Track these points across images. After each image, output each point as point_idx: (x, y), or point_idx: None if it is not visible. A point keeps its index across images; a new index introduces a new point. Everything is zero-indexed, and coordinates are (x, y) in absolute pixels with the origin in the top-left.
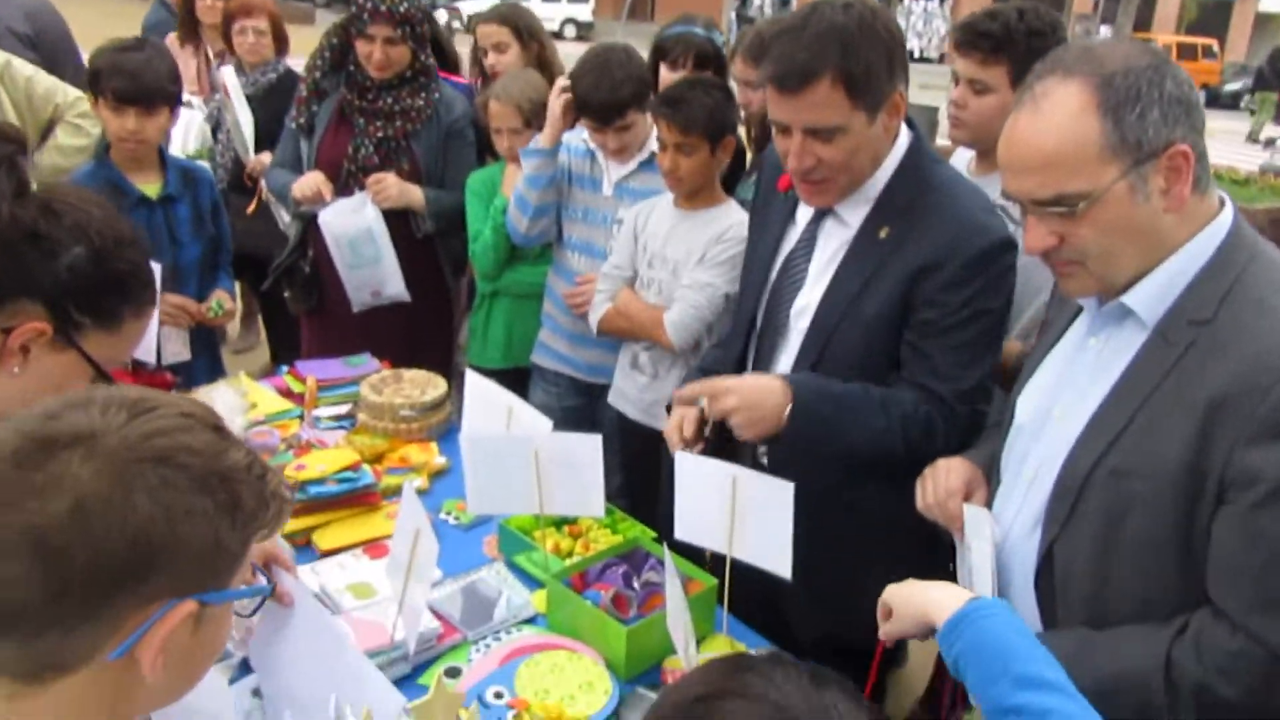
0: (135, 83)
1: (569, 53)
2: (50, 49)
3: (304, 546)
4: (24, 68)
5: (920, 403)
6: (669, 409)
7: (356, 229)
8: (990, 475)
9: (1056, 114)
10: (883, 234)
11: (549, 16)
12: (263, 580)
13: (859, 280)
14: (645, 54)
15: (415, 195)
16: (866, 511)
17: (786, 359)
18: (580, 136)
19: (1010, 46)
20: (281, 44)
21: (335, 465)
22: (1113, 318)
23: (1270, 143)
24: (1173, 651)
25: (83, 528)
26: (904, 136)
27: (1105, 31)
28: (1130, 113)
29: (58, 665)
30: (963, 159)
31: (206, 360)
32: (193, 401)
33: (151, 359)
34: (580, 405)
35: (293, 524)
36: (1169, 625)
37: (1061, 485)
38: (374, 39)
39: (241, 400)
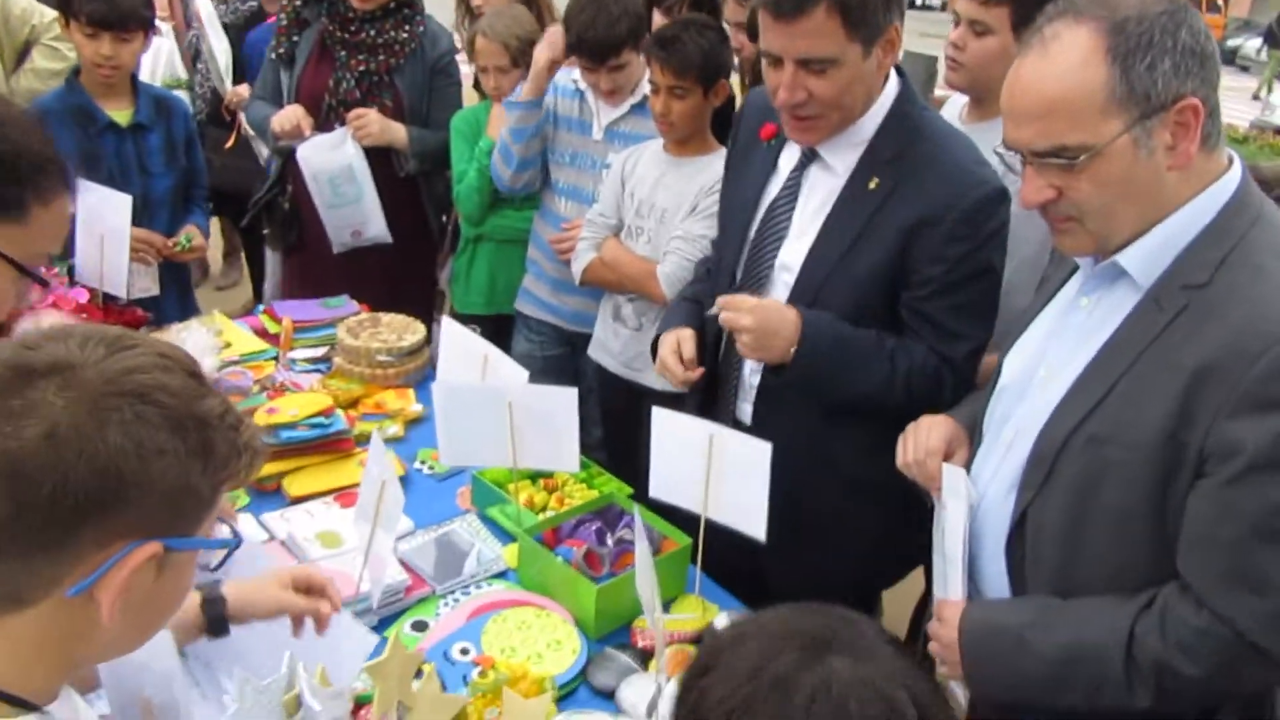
0: (110, 6)
1: None
2: None
3: (274, 492)
4: None
5: (934, 363)
6: (654, 350)
7: (337, 166)
8: (973, 435)
9: (1062, 59)
10: (872, 185)
11: None
12: (228, 532)
13: (849, 234)
14: None
15: (398, 133)
16: (847, 467)
17: None
18: (570, 77)
19: None
20: None
21: (308, 410)
22: (1106, 277)
23: (1256, 96)
24: (1136, 625)
25: (54, 454)
26: (893, 83)
27: None
28: (1140, 62)
29: (15, 596)
30: (954, 108)
31: (176, 295)
32: (171, 345)
33: (122, 293)
34: (562, 354)
35: (262, 469)
36: (1135, 598)
37: (1039, 449)
38: None
39: (214, 340)
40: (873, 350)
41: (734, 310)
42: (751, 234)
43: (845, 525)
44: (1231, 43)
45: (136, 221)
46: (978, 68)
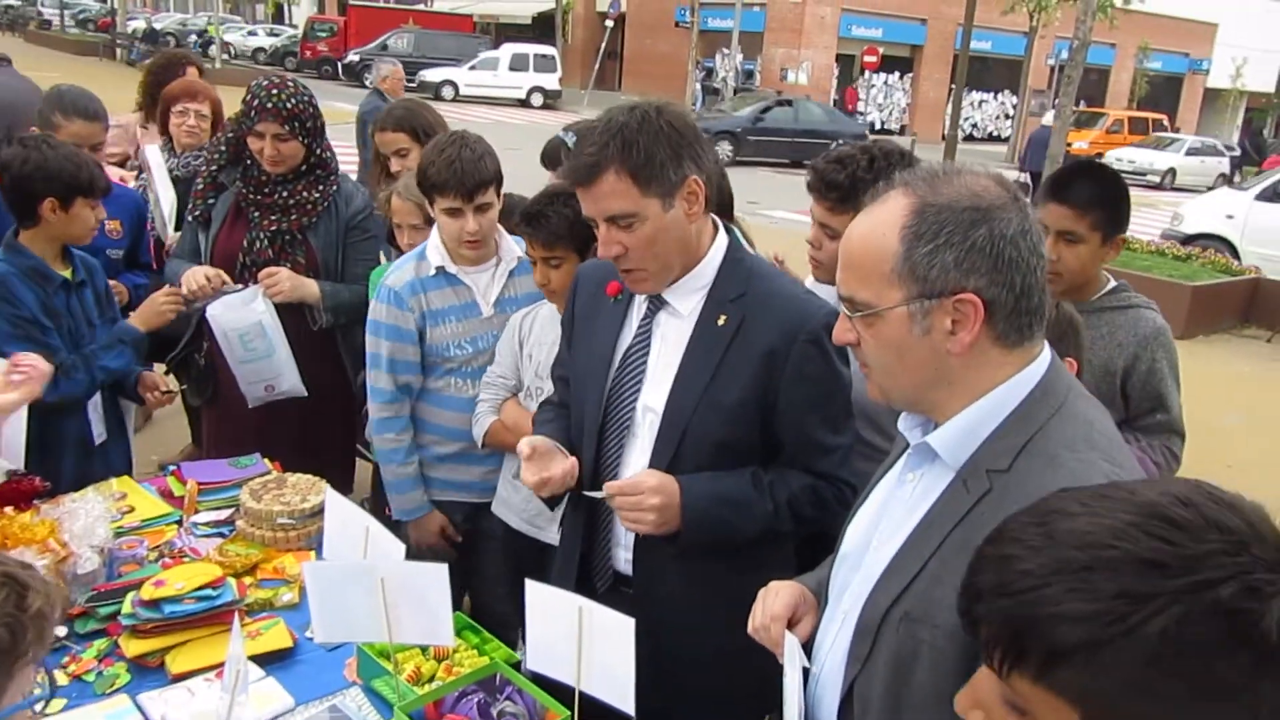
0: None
1: (536, 121)
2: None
3: (156, 669)
4: None
5: (804, 482)
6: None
7: (247, 323)
8: (821, 600)
9: (874, 220)
10: (721, 321)
11: (516, 85)
12: (37, 690)
13: (708, 369)
14: None
15: (310, 289)
16: (727, 599)
17: (639, 456)
18: (430, 266)
19: (855, 196)
20: (218, 129)
21: (195, 581)
22: (925, 456)
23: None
24: None
25: None
26: (722, 237)
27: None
28: (923, 247)
29: None
30: None
31: (115, 440)
32: None
33: (20, 465)
34: (471, 526)
35: (144, 646)
36: None
37: (862, 622)
38: (264, 135)
39: (108, 509)
40: (752, 494)
41: (634, 493)
42: (609, 384)
43: (737, 657)
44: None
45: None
46: (834, 266)
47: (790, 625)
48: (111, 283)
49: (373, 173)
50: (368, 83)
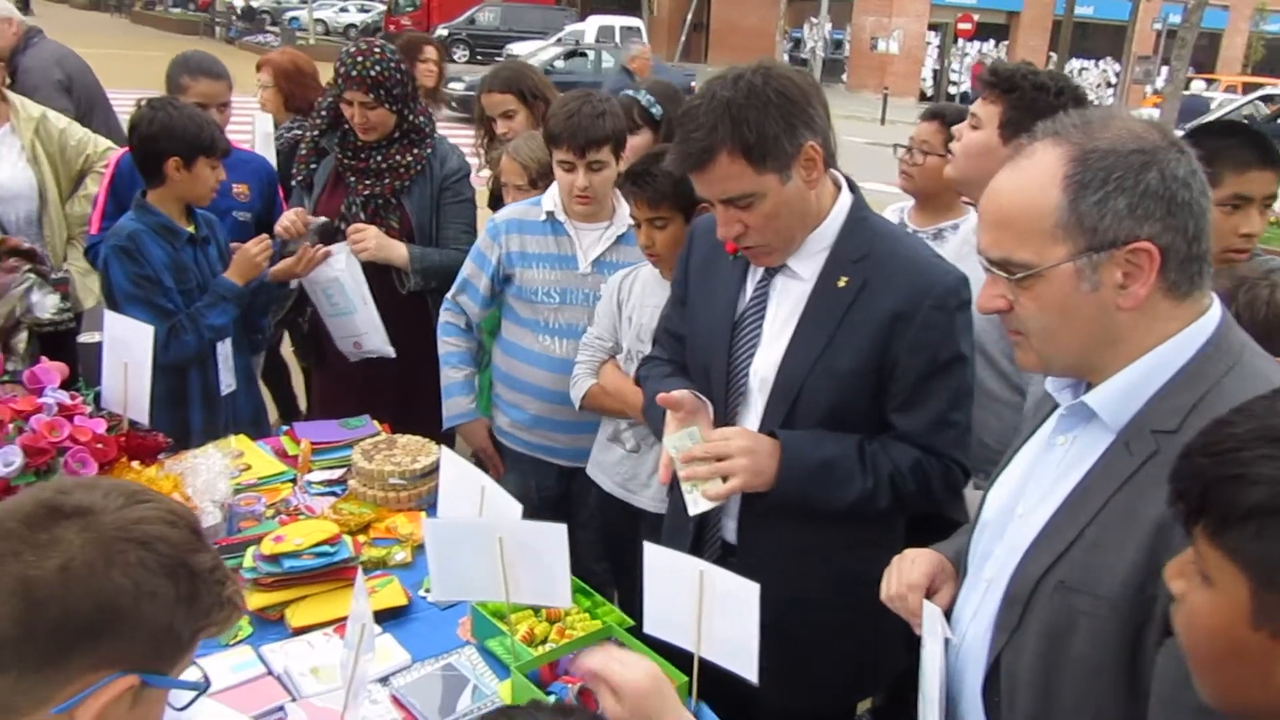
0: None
1: None
2: (84, 94)
3: (277, 622)
4: (58, 120)
5: (912, 458)
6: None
7: (326, 278)
8: (960, 569)
9: (1026, 176)
10: (841, 283)
11: None
12: (199, 676)
13: (825, 332)
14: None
15: (398, 251)
16: (836, 568)
17: (750, 423)
18: (538, 210)
19: (1011, 91)
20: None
21: (313, 538)
22: (1080, 417)
23: None
24: None
25: (64, 586)
26: (846, 195)
27: (1166, 73)
28: (1091, 195)
29: (10, 707)
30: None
31: (203, 410)
32: (179, 504)
33: (145, 420)
34: (559, 489)
35: (265, 599)
36: None
37: (1011, 591)
38: (352, 104)
39: (229, 465)
40: (853, 463)
41: (721, 456)
42: (727, 350)
43: (838, 632)
44: None
45: None
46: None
47: (928, 595)
48: (235, 245)
49: (478, 133)
50: (455, 58)
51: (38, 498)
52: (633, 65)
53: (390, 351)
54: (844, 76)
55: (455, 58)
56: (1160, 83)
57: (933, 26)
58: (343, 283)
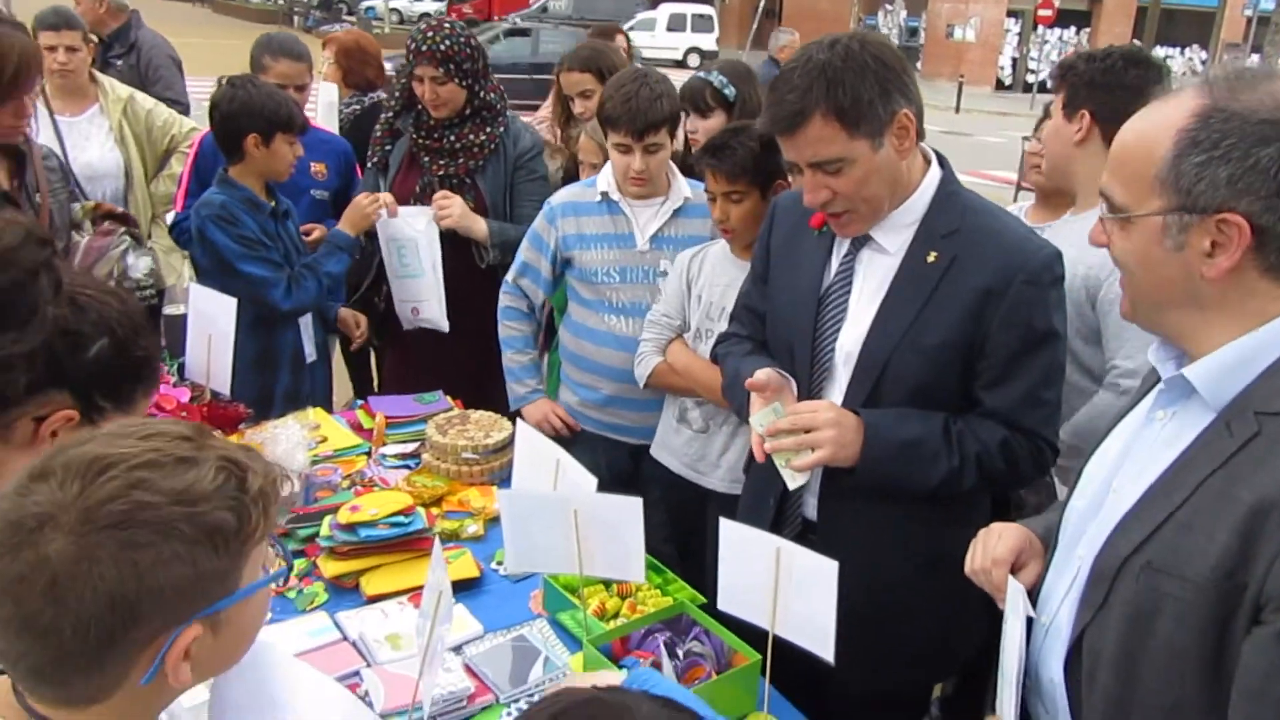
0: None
1: None
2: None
3: (352, 589)
4: (145, 101)
5: (1000, 436)
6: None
7: (404, 236)
8: (1048, 545)
9: (1152, 119)
10: (931, 258)
11: (673, 45)
12: (278, 565)
13: (913, 307)
14: None
15: (479, 224)
16: (916, 546)
17: (836, 397)
18: (593, 191)
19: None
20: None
21: (388, 509)
22: (1179, 392)
23: None
24: None
25: (60, 603)
26: (935, 169)
27: (1255, 62)
28: (1195, 156)
29: (93, 698)
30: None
31: (291, 373)
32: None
33: (226, 391)
34: (627, 468)
35: (341, 567)
36: None
37: (1097, 569)
38: (422, 80)
39: (305, 436)
40: (939, 444)
41: (810, 423)
42: (812, 325)
43: (917, 613)
44: None
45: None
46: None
47: (1013, 571)
48: (310, 226)
49: (556, 112)
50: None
51: (4, 513)
52: (780, 55)
53: (445, 325)
54: (919, 64)
55: None
56: None
57: (1012, 13)
58: (419, 244)
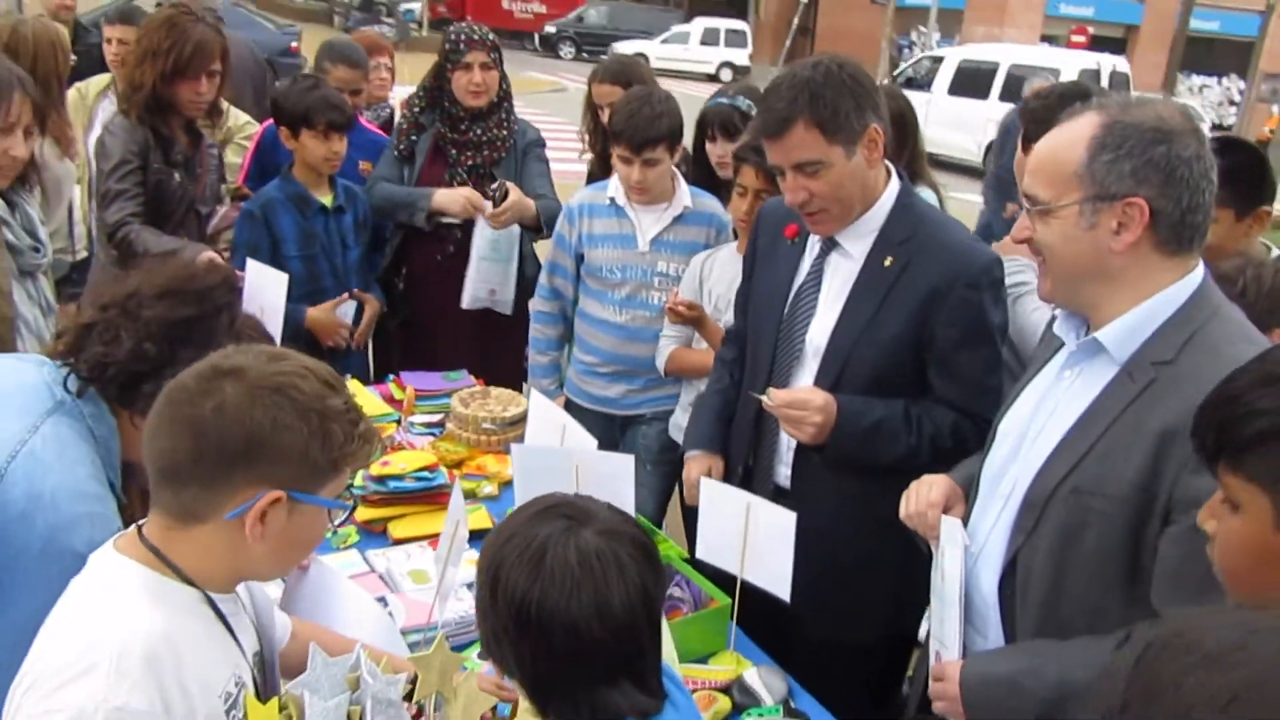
0: (343, 114)
1: None
2: None
3: (380, 534)
4: None
5: (951, 419)
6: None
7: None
8: (968, 493)
9: (1064, 134)
10: (887, 263)
11: (706, 59)
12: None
13: (870, 306)
14: None
15: (530, 209)
16: (877, 513)
17: (804, 382)
18: (604, 194)
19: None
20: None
21: (414, 465)
22: (1087, 353)
23: None
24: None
25: (219, 420)
26: (895, 182)
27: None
28: (1104, 156)
29: (194, 514)
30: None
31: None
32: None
33: None
34: (611, 440)
35: (371, 513)
36: (1113, 635)
37: (1029, 498)
38: (472, 66)
39: None
40: (900, 425)
41: (802, 408)
42: (783, 318)
43: (875, 571)
44: None
45: (340, 285)
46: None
47: (943, 513)
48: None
49: (585, 121)
50: (562, 54)
51: (211, 360)
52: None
53: (510, 309)
54: None
55: (561, 54)
56: None
57: (1046, 38)
58: (513, 234)
